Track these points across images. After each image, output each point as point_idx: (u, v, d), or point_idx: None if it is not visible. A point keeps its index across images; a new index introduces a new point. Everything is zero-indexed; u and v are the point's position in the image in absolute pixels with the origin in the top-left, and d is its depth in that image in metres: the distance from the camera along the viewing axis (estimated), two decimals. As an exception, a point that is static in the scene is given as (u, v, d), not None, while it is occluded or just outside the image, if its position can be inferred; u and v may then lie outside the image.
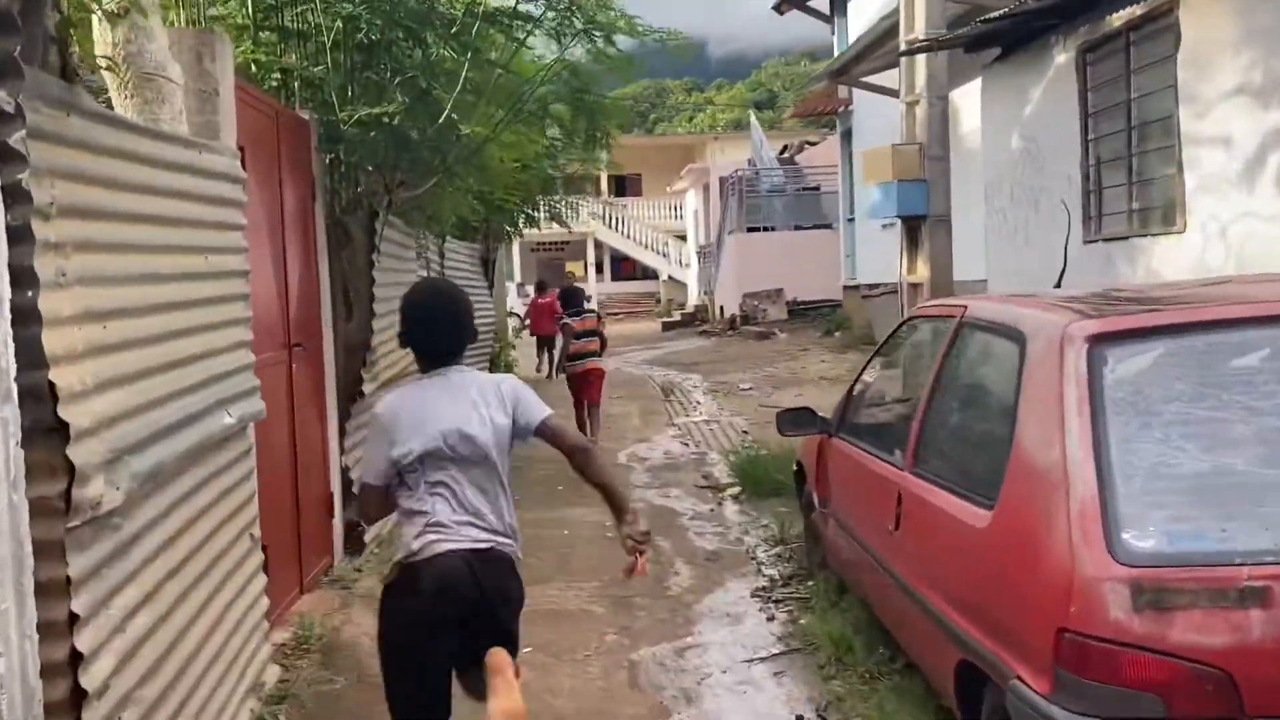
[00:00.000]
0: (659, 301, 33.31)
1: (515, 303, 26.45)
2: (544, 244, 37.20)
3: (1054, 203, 7.53)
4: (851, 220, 17.66)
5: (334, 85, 5.51)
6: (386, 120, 5.50)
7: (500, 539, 2.73)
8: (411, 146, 5.80)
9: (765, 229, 20.72)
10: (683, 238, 32.44)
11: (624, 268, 36.03)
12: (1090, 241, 7.05)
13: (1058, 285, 4.33)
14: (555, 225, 13.53)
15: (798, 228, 20.60)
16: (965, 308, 3.61)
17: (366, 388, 5.86)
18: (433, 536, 2.64)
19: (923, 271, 10.00)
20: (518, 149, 7.94)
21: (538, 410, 2.77)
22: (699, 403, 11.68)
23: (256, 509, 4.08)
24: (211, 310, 3.67)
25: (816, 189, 21.42)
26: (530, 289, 25.38)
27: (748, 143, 28.15)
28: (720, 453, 8.73)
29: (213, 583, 3.53)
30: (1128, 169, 6.59)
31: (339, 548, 5.60)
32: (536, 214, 12.59)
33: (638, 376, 14.68)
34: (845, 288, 18.03)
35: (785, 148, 25.14)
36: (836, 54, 17.19)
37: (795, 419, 4.70)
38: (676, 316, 26.09)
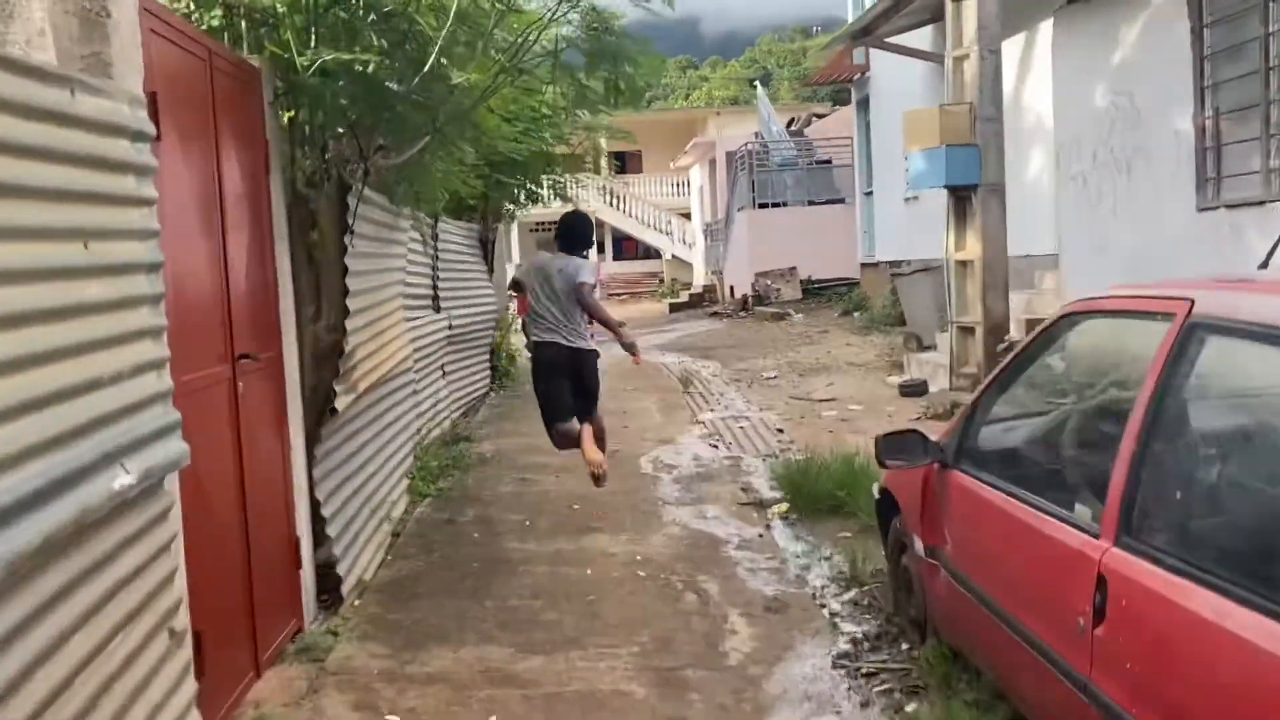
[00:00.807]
0: (662, 281, 32.40)
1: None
2: (543, 224, 36.06)
3: (1153, 164, 6.34)
4: (869, 194, 16.75)
5: (294, 25, 4.30)
6: (360, 69, 4.31)
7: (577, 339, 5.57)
8: (391, 101, 4.60)
9: (777, 205, 19.97)
10: (687, 215, 31.78)
11: (626, 247, 35.24)
12: (1208, 209, 5.85)
13: (1264, 265, 3.13)
14: (559, 201, 12.75)
15: (811, 203, 19.81)
16: (1191, 302, 2.42)
17: (340, 402, 4.68)
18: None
19: (974, 247, 8.82)
20: (519, 106, 6.72)
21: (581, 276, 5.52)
22: (722, 394, 10.56)
23: (180, 591, 2.92)
24: (98, 321, 2.50)
25: (829, 162, 20.47)
26: None
27: (750, 117, 27.15)
28: (757, 456, 7.58)
29: (110, 710, 2.39)
30: (1263, 119, 5.39)
31: (310, 605, 4.44)
32: (540, 189, 11.37)
33: (651, 364, 13.54)
34: (863, 265, 17.19)
35: (792, 120, 24.13)
36: (851, 18, 16.04)
37: (900, 446, 3.53)
38: (684, 297, 25.20)
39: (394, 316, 6.34)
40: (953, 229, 9.01)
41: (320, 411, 4.67)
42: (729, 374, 12.08)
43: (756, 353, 13.58)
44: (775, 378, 11.41)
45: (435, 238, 8.79)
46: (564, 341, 5.60)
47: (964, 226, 8.95)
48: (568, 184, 12.03)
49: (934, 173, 8.66)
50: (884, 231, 15.81)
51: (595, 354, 5.74)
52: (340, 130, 4.69)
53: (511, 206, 11.54)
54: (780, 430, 8.44)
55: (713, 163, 25.77)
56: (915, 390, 9.48)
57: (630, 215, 32.92)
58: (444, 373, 8.82)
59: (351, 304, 4.80)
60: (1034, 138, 9.87)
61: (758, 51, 66.06)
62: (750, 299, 19.05)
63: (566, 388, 5.60)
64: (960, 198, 8.90)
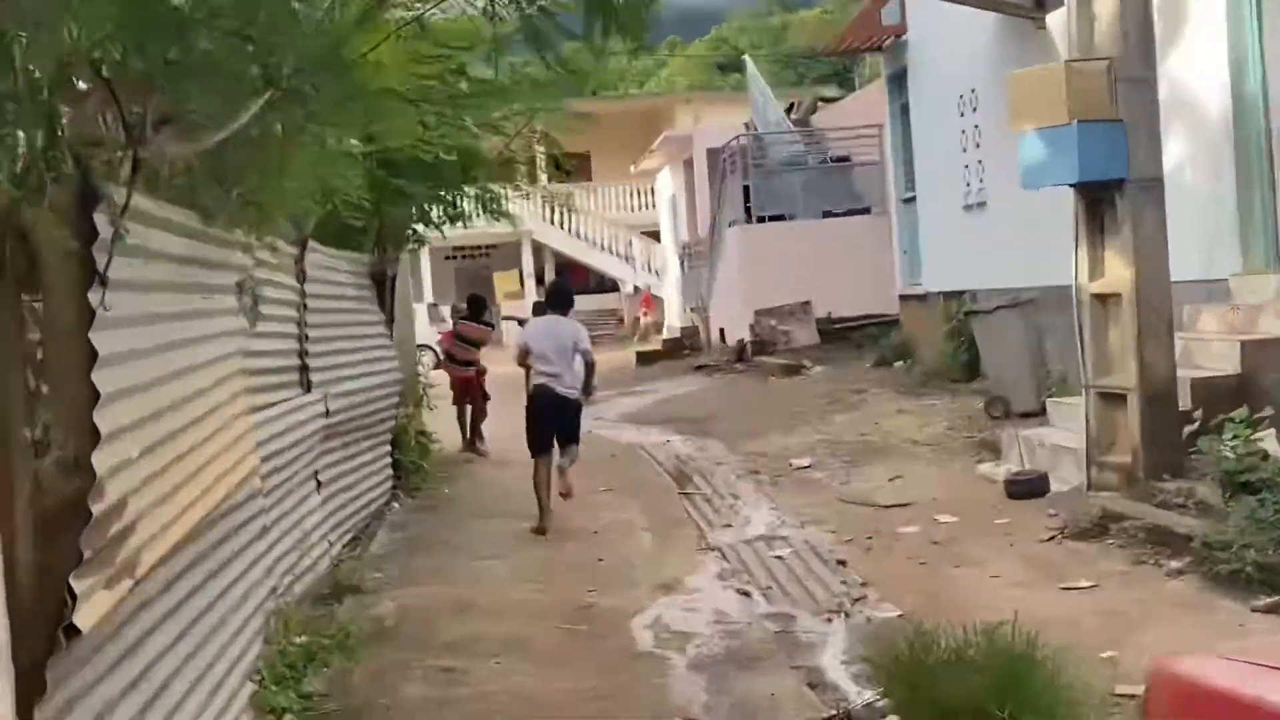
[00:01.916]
0: (622, 321, 31.10)
1: (428, 331, 24.16)
2: (463, 250, 35.16)
3: None
4: (909, 201, 15.74)
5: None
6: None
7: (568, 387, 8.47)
8: (185, 29, 3.00)
9: (780, 218, 19.26)
10: (655, 235, 31.04)
11: (575, 277, 33.86)
12: None
13: None
14: (483, 219, 11.68)
15: (827, 215, 19.12)
16: None
17: (87, 613, 3.00)
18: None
19: (1120, 274, 7.41)
20: (430, 71, 5.26)
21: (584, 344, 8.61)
22: (738, 499, 9.08)
23: None
24: None
25: (847, 160, 19.67)
26: (446, 311, 22.89)
27: (732, 105, 26.29)
28: (817, 614, 6.02)
29: None
30: None
31: None
32: (459, 203, 9.92)
33: (626, 448, 12.06)
34: (903, 298, 16.07)
35: (791, 106, 23.17)
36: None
37: None
38: (654, 344, 24.22)
39: (217, 417, 4.80)
40: (1084, 246, 7.64)
41: (49, 633, 2.99)
42: (740, 461, 10.69)
43: (772, 425, 12.32)
44: (809, 465, 9.99)
45: (302, 276, 7.22)
46: (556, 388, 8.45)
47: (1101, 242, 7.59)
48: (501, 196, 10.67)
49: (1059, 163, 7.36)
50: (934, 251, 14.76)
51: (579, 403, 8.72)
52: (81, 83, 3.06)
53: (418, 228, 10.03)
54: (842, 563, 6.92)
55: (688, 164, 25.14)
56: (1030, 488, 8.03)
57: (578, 236, 32.24)
58: (319, 484, 7.26)
59: (106, 417, 3.13)
60: (1191, 110, 8.50)
61: (726, 29, 65.79)
62: (749, 346, 18.24)
63: (550, 426, 8.51)
64: (1095, 200, 7.53)
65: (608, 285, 33.60)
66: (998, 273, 11.85)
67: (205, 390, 4.67)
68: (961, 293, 12.98)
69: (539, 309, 17.38)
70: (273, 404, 6.27)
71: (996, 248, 12.18)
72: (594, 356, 8.80)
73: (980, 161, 12.76)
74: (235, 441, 5.21)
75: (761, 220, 19.11)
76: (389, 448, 9.46)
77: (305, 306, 7.26)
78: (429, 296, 30.27)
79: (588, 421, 14.37)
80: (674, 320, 27.07)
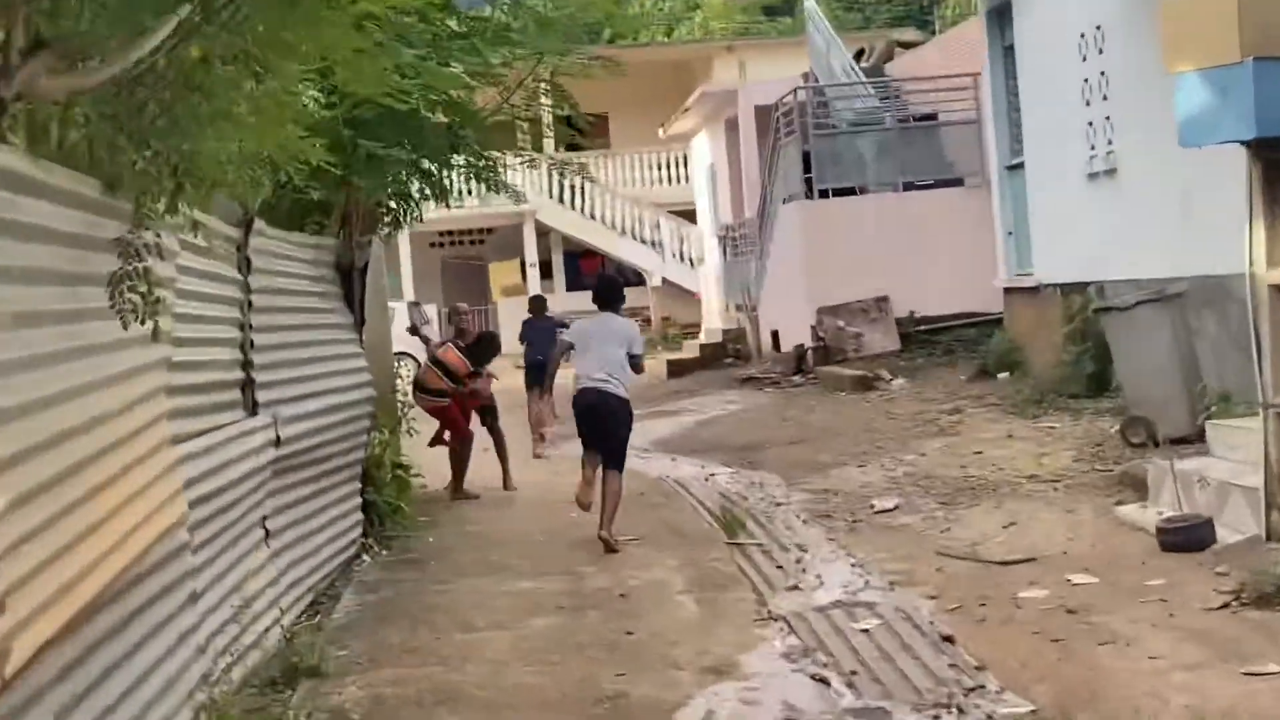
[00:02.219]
0: (649, 323, 30.88)
1: (408, 339, 24.04)
2: (451, 234, 34.98)
3: None
4: (1015, 169, 15.50)
5: None
6: None
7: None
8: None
9: (849, 191, 19.26)
10: (688, 215, 30.72)
11: (585, 267, 33.94)
12: None
13: None
14: (477, 195, 11.33)
15: (908, 186, 19.04)
16: None
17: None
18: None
19: (1310, 257, 7.01)
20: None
21: (636, 348, 9.64)
22: (805, 550, 8.74)
23: None
24: None
25: (933, 118, 19.67)
26: (430, 311, 22.75)
27: (785, 53, 26.20)
28: (919, 707, 5.68)
29: None
30: None
31: None
32: (447, 172, 9.67)
33: (658, 484, 11.79)
34: (1008, 291, 15.94)
35: (860, 53, 23.45)
36: None
37: None
38: (691, 349, 24.42)
39: (128, 451, 4.63)
40: (1262, 223, 7.34)
41: None
42: (805, 502, 10.46)
43: (844, 455, 12.15)
44: (896, 508, 9.67)
45: (246, 266, 6.99)
46: (602, 387, 9.29)
47: (1282, 218, 7.16)
48: (498, 164, 10.49)
49: (1229, 114, 7.12)
50: (1048, 232, 14.53)
51: (628, 402, 9.55)
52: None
53: (396, 206, 9.78)
54: (949, 639, 6.56)
55: (731, 126, 25.06)
56: (1189, 538, 7.70)
57: (593, 217, 31.96)
58: (267, 534, 7.04)
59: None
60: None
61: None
62: (810, 353, 18.31)
63: (597, 429, 9.43)
64: (1276, 162, 7.12)
65: (630, 279, 33.33)
66: (1135, 259, 11.64)
67: (110, 416, 4.39)
68: (1085, 284, 12.79)
69: (536, 304, 17.29)
70: (206, 431, 6.09)
71: (1133, 227, 11.93)
72: (643, 363, 9.98)
73: (1108, 118, 12.52)
74: (153, 482, 5.01)
75: (825, 195, 18.97)
76: (358, 485, 9.18)
77: (250, 305, 7.08)
78: (410, 292, 30.13)
79: None
80: (713, 320, 26.99)
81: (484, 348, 12.23)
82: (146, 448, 4.91)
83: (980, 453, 11.28)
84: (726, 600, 7.66)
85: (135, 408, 4.86)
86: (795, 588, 7.79)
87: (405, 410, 10.80)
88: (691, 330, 28.57)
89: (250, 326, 7.00)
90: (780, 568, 8.35)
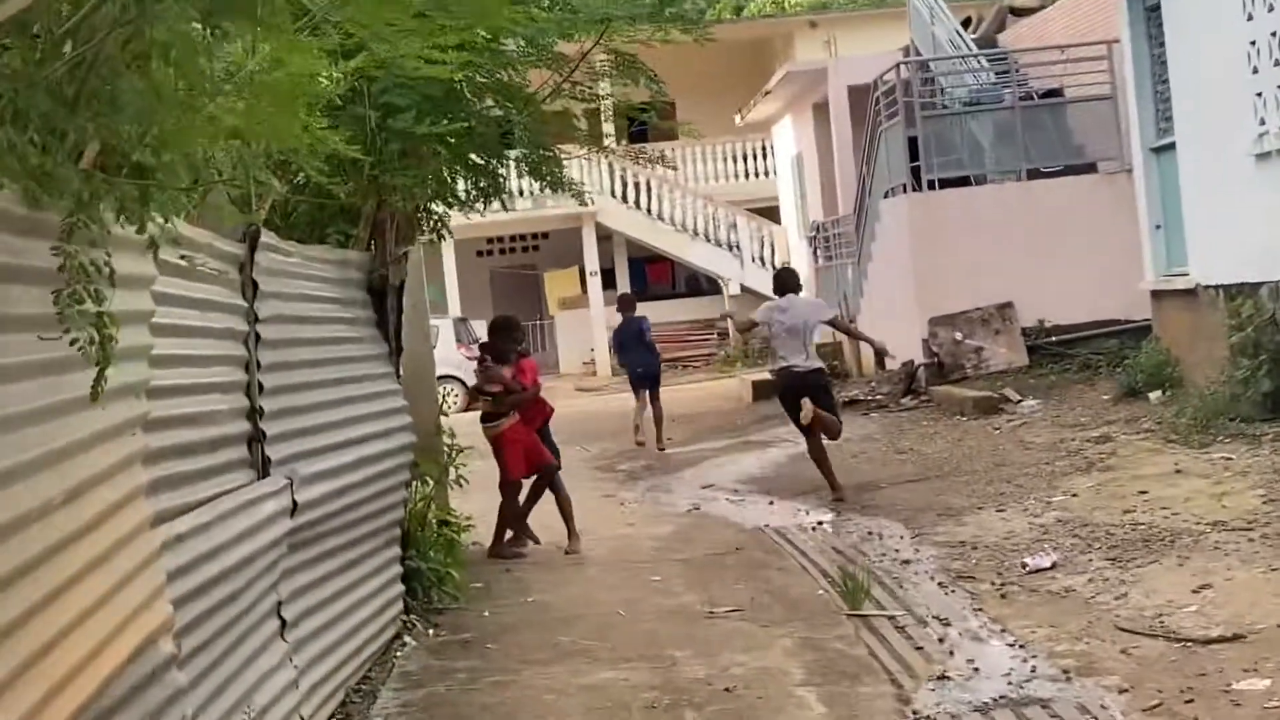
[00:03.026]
0: (725, 336, 30.35)
1: (456, 357, 23.82)
2: (500, 241, 34.70)
3: None
4: (1163, 150, 15.19)
5: None
6: None
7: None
8: None
9: (963, 181, 19.35)
10: (770, 214, 30.80)
11: (653, 274, 34.58)
12: None
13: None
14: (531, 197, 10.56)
15: (1033, 174, 18.97)
16: None
17: None
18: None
19: None
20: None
21: (823, 315, 13.55)
22: (949, 625, 7.89)
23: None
24: None
25: (1059, 94, 19.56)
26: (481, 328, 22.66)
27: (884, 25, 26.65)
28: None
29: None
30: None
31: None
32: (499, 168, 8.96)
33: (755, 534, 11.37)
34: (1158, 295, 15.72)
35: (968, 21, 23.86)
36: None
37: None
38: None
39: (88, 544, 3.95)
40: None
41: None
42: (937, 558, 9.69)
43: (976, 496, 11.50)
44: (1053, 567, 8.75)
45: (251, 290, 6.25)
46: (798, 365, 12.31)
47: None
48: (557, 161, 9.80)
49: None
50: (1208, 224, 14.03)
51: (822, 370, 13.01)
52: None
53: (440, 209, 9.06)
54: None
55: (820, 111, 25.05)
56: None
57: (660, 217, 31.97)
58: (282, 624, 6.27)
59: None
60: None
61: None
62: (921, 370, 18.27)
63: (798, 403, 12.27)
64: None
65: (703, 285, 33.29)
66: None
67: (62, 498, 3.62)
68: (1258, 285, 12.39)
69: (625, 304, 18.34)
70: (201, 503, 5.30)
71: None
72: (841, 318, 14.13)
73: (1280, 87, 12.05)
74: (124, 583, 4.20)
75: (935, 186, 18.82)
76: (397, 551, 8.37)
77: (258, 338, 6.25)
78: (455, 308, 29.78)
79: (691, 491, 13.73)
80: None
81: (500, 331, 11.24)
82: (112, 539, 4.12)
83: (1145, 493, 10.43)
84: (859, 696, 6.74)
85: (101, 484, 4.09)
86: (944, 677, 6.89)
87: (454, 454, 9.91)
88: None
89: (259, 365, 6.23)
90: (920, 649, 7.45)
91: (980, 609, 8.11)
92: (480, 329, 31.48)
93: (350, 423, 7.52)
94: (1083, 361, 17.04)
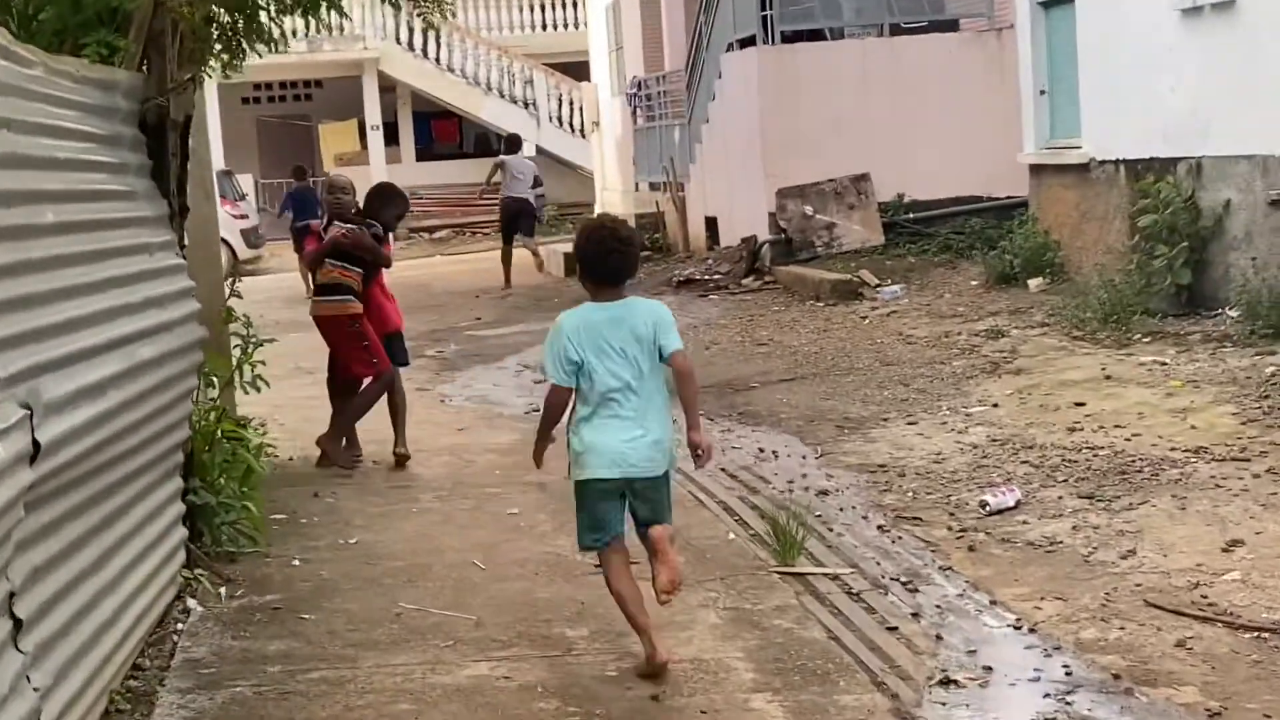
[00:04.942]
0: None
1: (226, 220, 22.01)
2: (269, 87, 32.76)
3: None
4: (1058, 2, 14.32)
5: None
6: None
7: None
8: None
9: (817, 35, 18.46)
10: (576, 67, 29.51)
11: (441, 132, 33.50)
12: None
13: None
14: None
15: (896, 30, 18.11)
16: None
17: None
18: None
19: None
20: None
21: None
22: (919, 591, 6.43)
23: None
24: None
25: None
26: (246, 182, 20.81)
27: None
28: None
29: None
30: None
31: None
32: None
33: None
34: (1037, 170, 14.99)
35: None
36: None
37: None
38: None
39: None
40: None
41: None
42: (860, 487, 8.13)
43: (871, 400, 10.13)
44: (1017, 506, 7.18)
45: None
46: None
47: None
48: None
49: None
50: (1111, 90, 13.29)
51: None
52: None
53: (236, 19, 6.95)
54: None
55: None
56: None
57: (450, 69, 30.40)
58: (16, 626, 4.39)
59: None
60: None
61: None
62: (766, 247, 17.08)
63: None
64: None
65: (495, 145, 31.26)
66: (1256, 127, 10.61)
67: None
68: (1173, 161, 11.67)
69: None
70: None
71: (1256, 81, 10.60)
72: None
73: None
74: None
75: (788, 39, 17.79)
76: (179, 483, 6.30)
77: None
78: (219, 161, 27.67)
79: (522, 385, 11.82)
80: (612, 203, 25.33)
81: (386, 199, 9.44)
82: None
83: (1082, 405, 9.13)
84: (839, 708, 4.96)
85: None
86: (950, 681, 5.16)
87: (249, 345, 7.74)
88: (577, 214, 26.57)
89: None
90: (893, 629, 5.73)
91: (948, 567, 6.51)
92: (246, 183, 29.62)
93: (116, 314, 5.39)
94: (942, 243, 16.28)
